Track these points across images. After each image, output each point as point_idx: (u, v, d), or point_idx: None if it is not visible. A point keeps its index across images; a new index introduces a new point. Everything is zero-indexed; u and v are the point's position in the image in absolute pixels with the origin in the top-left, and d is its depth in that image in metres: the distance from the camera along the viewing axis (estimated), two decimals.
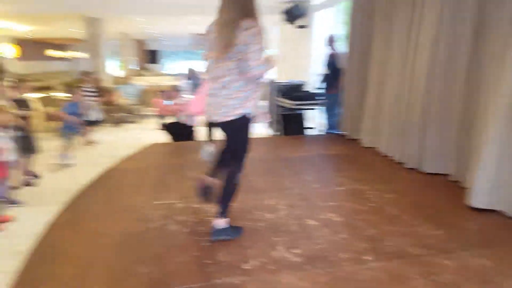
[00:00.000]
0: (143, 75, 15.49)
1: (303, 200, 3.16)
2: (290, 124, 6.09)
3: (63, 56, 19.81)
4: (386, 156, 4.41)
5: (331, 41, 5.78)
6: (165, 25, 12.50)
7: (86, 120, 5.79)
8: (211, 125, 2.57)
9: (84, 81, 6.18)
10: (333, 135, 5.84)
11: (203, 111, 2.58)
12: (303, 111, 6.24)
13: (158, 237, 2.55)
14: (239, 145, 2.48)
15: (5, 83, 3.93)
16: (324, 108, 6.05)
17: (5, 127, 3.41)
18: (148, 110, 8.67)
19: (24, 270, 2.17)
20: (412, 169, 3.95)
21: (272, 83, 6.29)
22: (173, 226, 2.69)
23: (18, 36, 14.11)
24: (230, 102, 2.33)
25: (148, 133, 6.72)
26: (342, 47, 5.73)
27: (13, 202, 3.48)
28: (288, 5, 7.50)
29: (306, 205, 3.07)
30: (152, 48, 21.17)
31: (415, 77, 3.93)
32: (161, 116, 6.94)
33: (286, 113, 6.06)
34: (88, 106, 5.82)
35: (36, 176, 4.13)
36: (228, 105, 2.33)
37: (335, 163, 4.46)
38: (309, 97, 5.94)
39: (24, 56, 15.66)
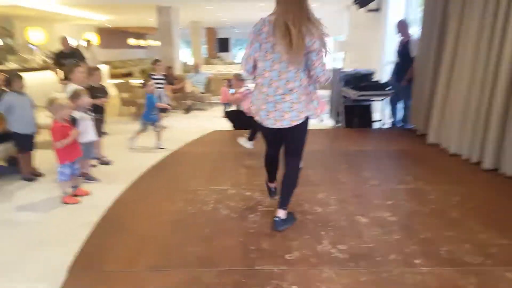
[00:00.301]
0: (214, 63, 15.97)
1: (357, 197, 3.07)
2: (353, 116, 5.88)
3: (140, 44, 21.17)
4: (456, 154, 4.08)
5: (402, 26, 5.36)
6: (236, 13, 12.61)
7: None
8: (266, 129, 2.51)
9: (154, 69, 6.54)
10: (400, 130, 5.55)
11: (256, 115, 2.47)
12: (369, 103, 5.98)
13: (209, 219, 2.67)
14: (301, 144, 2.51)
15: (82, 69, 4.26)
16: (392, 100, 5.73)
17: (85, 110, 3.76)
18: (216, 98, 8.95)
19: (89, 239, 2.42)
20: (485, 170, 3.61)
21: (337, 71, 6.10)
22: (224, 211, 2.79)
23: (98, 25, 15.29)
24: (296, 106, 2.30)
25: (214, 121, 6.97)
26: (415, 33, 5.35)
27: (90, 179, 3.84)
28: None
29: (360, 202, 2.98)
30: (223, 36, 21.66)
31: (494, 70, 3.55)
32: (226, 104, 7.15)
33: (350, 104, 5.85)
34: (157, 93, 6.17)
35: (103, 158, 4.48)
36: (294, 110, 2.30)
37: (399, 160, 4.24)
38: (377, 88, 5.63)
39: (104, 44, 17.08)
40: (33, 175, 3.93)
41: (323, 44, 2.23)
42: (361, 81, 5.79)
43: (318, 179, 3.49)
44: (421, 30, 4.96)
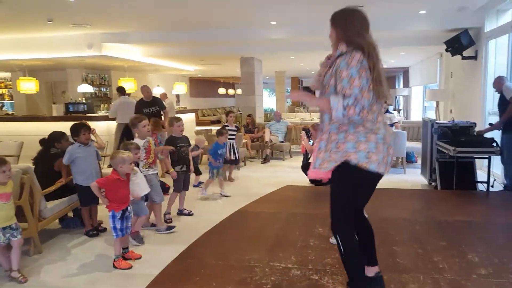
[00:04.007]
0: (297, 112, 15.82)
1: None
2: (450, 174, 4.91)
3: (229, 93, 22.25)
4: None
5: (498, 84, 4.80)
6: (317, 63, 12.59)
7: (226, 159, 5.94)
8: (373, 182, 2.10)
9: (227, 120, 6.39)
10: None
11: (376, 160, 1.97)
12: (472, 160, 4.99)
13: None
14: None
15: (146, 123, 4.07)
16: (503, 157, 4.70)
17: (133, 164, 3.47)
18: (296, 147, 8.60)
19: None
20: None
21: (430, 123, 5.29)
22: None
23: (190, 75, 16.42)
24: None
25: (291, 172, 6.51)
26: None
27: (136, 239, 3.50)
28: (454, 34, 6.42)
29: None
30: (308, 84, 21.71)
31: None
32: (305, 154, 6.64)
33: (447, 160, 4.94)
34: (229, 144, 5.98)
35: (188, 213, 4.24)
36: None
37: None
38: (479, 143, 4.69)
39: (195, 93, 18.26)
40: (95, 230, 3.81)
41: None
42: (459, 134, 4.91)
43: (406, 261, 2.75)
44: None
